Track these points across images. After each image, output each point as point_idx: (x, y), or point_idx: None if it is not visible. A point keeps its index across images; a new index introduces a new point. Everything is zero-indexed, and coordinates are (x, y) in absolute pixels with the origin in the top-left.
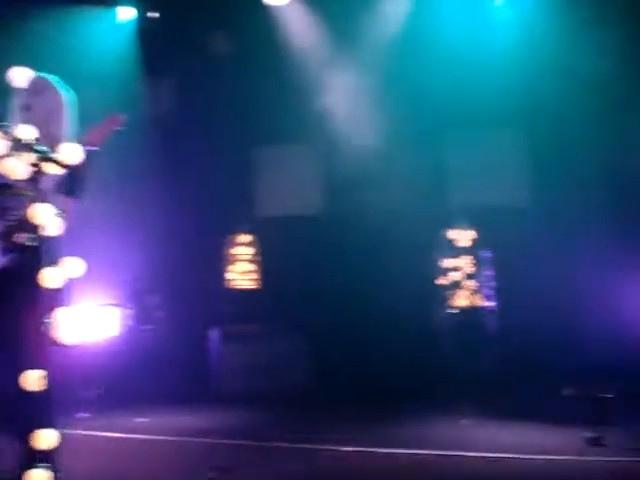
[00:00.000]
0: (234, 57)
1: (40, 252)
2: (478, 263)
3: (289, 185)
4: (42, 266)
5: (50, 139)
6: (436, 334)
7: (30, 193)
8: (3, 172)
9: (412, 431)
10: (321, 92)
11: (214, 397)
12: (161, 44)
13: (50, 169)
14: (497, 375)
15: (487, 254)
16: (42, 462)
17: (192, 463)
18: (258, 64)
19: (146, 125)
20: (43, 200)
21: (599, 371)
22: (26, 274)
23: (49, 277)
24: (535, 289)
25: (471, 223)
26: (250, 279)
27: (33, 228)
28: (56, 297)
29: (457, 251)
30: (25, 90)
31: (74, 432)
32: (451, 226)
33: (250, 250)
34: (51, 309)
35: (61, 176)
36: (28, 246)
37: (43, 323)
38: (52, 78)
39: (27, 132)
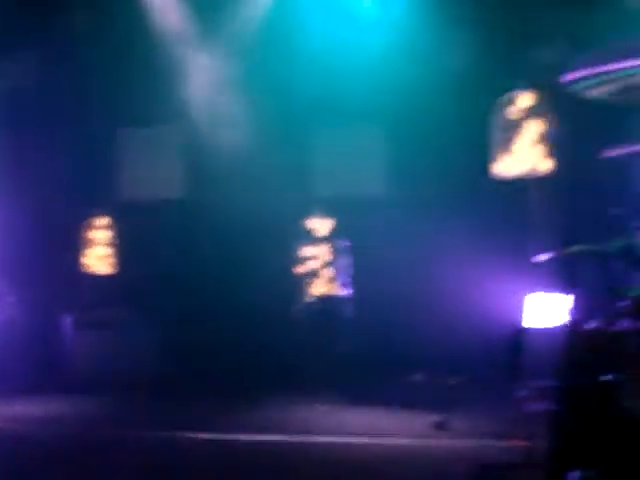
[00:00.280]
0: (99, 38)
1: None
2: (336, 252)
3: (152, 169)
4: None
5: None
6: (294, 321)
7: None
8: None
9: (268, 417)
10: (189, 78)
11: (65, 385)
12: (23, 20)
13: None
14: (352, 361)
15: (345, 243)
16: None
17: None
18: (124, 46)
19: (3, 102)
20: None
21: (449, 358)
22: None
23: None
24: (391, 277)
25: (330, 213)
26: (107, 264)
27: None
28: None
29: (316, 240)
30: None
31: None
32: (310, 215)
33: (108, 234)
34: None
35: None
36: None
37: None
38: None
39: None
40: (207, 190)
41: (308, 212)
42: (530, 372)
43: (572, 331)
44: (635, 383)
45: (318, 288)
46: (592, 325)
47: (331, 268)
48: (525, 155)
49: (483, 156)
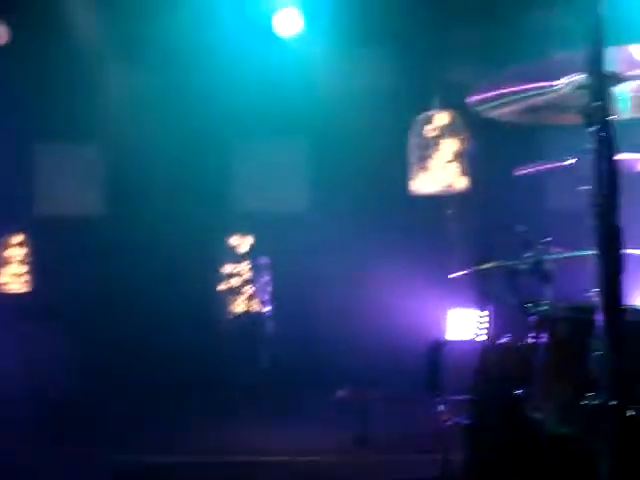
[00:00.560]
0: (15, 51)
1: None
2: (256, 269)
3: (69, 185)
4: None
5: None
6: (216, 339)
7: None
8: None
9: (186, 436)
10: (108, 93)
11: None
12: None
13: None
14: (274, 378)
15: (264, 260)
16: None
17: None
18: (41, 60)
19: None
20: None
21: (370, 373)
22: None
23: None
24: (312, 294)
25: (251, 229)
26: (21, 282)
27: None
28: None
29: (237, 257)
30: None
31: None
32: (232, 232)
33: (23, 251)
34: None
35: None
36: None
37: None
38: None
39: None
40: (126, 206)
41: (229, 229)
42: (448, 386)
43: (485, 346)
44: (541, 396)
45: (239, 305)
46: (503, 340)
47: (252, 285)
48: (441, 173)
49: (403, 173)
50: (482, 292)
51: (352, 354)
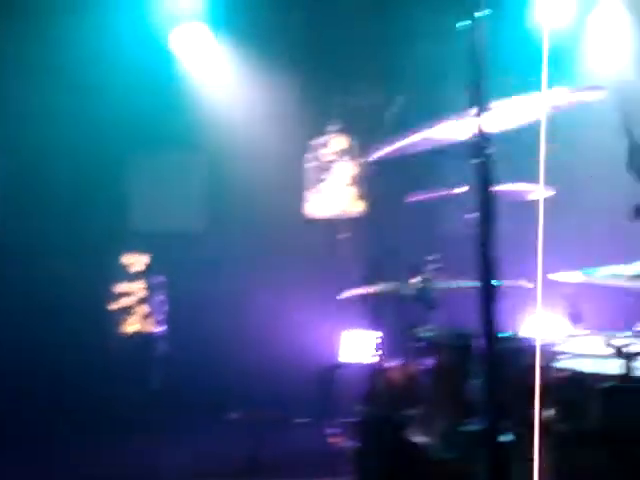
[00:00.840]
0: None
1: None
2: (150, 288)
3: None
4: None
5: None
6: (108, 359)
7: None
8: None
9: (75, 458)
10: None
11: None
12: None
13: None
14: (166, 399)
15: (159, 279)
16: None
17: None
18: None
19: None
20: None
21: (264, 394)
22: None
23: None
24: (207, 314)
25: (145, 248)
26: None
27: None
28: None
29: (130, 276)
30: None
31: None
32: (126, 250)
33: None
34: None
35: None
36: None
37: None
38: None
39: None
40: (17, 223)
41: (123, 247)
42: (340, 409)
43: (373, 368)
44: (425, 420)
45: (132, 325)
46: (392, 363)
47: (146, 305)
48: (336, 196)
49: (299, 195)
50: (373, 315)
51: (246, 376)
